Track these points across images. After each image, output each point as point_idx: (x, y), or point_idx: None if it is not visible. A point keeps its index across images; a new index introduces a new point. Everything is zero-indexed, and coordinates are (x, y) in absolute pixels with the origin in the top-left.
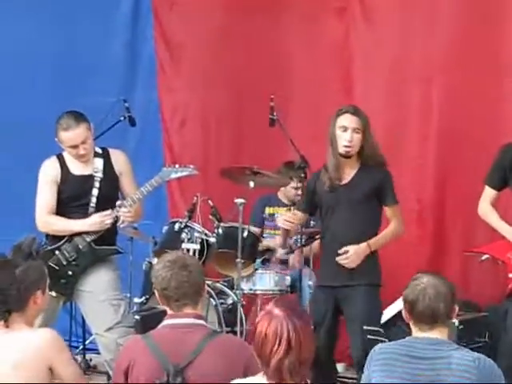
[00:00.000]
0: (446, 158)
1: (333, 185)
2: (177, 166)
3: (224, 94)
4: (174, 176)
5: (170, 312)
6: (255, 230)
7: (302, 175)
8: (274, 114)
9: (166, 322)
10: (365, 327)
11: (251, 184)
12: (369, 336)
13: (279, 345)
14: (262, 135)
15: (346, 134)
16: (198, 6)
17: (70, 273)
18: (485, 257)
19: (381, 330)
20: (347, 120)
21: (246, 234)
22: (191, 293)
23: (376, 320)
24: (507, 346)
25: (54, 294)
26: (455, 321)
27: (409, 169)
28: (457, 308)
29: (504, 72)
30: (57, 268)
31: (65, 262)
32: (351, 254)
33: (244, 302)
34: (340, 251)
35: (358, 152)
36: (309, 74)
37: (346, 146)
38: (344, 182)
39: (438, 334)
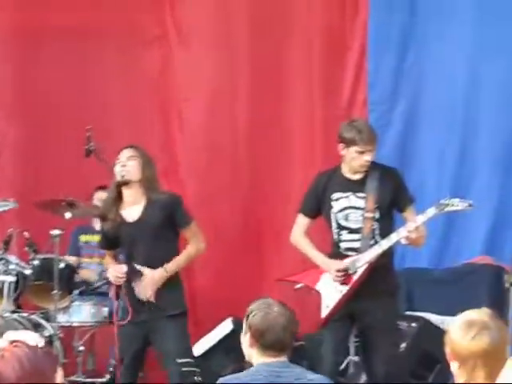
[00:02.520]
0: (258, 186)
1: (118, 223)
2: None
3: (41, 123)
4: None
5: None
6: (73, 259)
7: None
8: (91, 144)
9: None
10: (179, 360)
11: (67, 215)
12: (184, 369)
13: None
14: (80, 165)
15: (121, 162)
16: (6, 33)
17: None
18: (299, 285)
19: (192, 360)
20: (123, 154)
21: (62, 265)
22: None
23: (189, 350)
24: (323, 375)
25: None
26: None
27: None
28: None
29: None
30: None
31: None
32: (147, 280)
33: (61, 335)
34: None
35: (141, 186)
36: (126, 105)
37: (121, 171)
38: (134, 218)
39: (284, 358)
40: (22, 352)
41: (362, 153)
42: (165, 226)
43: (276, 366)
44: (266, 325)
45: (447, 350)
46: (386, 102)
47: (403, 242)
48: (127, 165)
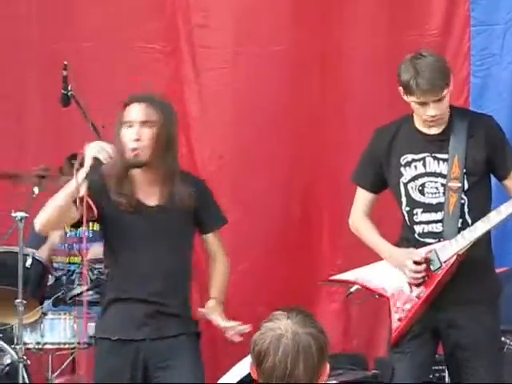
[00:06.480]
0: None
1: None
2: None
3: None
4: None
5: None
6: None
7: None
8: (69, 87)
9: None
10: None
11: (36, 190)
12: None
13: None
14: (52, 117)
15: (131, 129)
16: None
17: None
18: (354, 288)
19: None
20: (133, 112)
21: (29, 262)
22: None
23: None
24: None
25: None
26: (334, 383)
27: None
28: (328, 367)
29: None
30: None
31: None
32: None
33: (28, 362)
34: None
35: (157, 159)
36: (116, 31)
37: (133, 149)
38: (151, 203)
39: None
40: None
41: (422, 104)
42: (191, 221)
43: None
44: (265, 345)
45: None
46: (496, 22)
47: None
48: (141, 136)
